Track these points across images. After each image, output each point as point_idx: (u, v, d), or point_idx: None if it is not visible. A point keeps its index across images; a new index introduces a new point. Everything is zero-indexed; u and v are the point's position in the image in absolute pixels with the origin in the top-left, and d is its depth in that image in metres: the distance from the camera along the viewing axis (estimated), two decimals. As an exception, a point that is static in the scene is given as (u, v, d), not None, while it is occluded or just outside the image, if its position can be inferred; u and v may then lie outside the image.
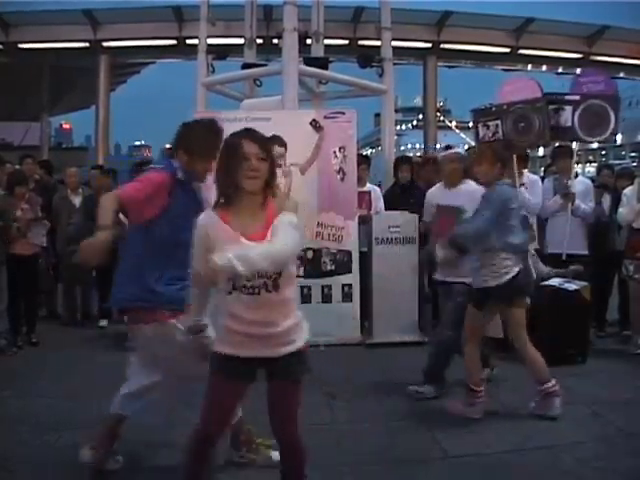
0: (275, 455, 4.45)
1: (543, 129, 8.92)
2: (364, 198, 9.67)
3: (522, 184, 9.13)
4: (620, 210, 8.70)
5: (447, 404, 6.32)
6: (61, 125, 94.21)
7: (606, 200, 9.58)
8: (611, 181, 10.17)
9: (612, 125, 8.75)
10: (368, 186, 9.92)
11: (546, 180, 9.57)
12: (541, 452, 5.46)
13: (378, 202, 9.81)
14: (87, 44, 27.12)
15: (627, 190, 8.79)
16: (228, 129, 9.11)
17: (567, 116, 8.90)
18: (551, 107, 9.01)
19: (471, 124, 10.21)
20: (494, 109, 9.34)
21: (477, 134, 9.48)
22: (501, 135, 9.15)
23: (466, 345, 6.32)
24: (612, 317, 9.76)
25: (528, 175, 9.61)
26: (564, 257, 8.71)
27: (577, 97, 8.93)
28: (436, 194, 7.37)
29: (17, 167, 10.99)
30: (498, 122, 9.13)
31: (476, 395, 6.27)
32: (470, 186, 6.88)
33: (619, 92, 9.48)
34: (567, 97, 9.04)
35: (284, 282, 3.68)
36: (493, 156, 6.21)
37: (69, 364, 8.27)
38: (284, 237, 3.56)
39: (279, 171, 8.79)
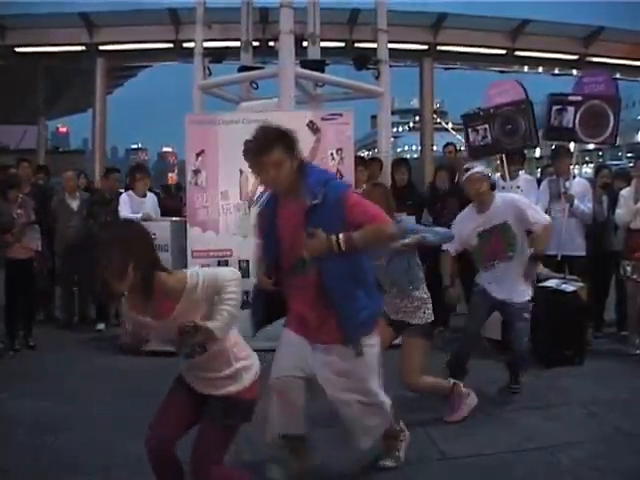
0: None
1: (529, 131, 8.97)
2: None
3: (517, 186, 9.18)
4: (618, 211, 8.71)
5: (448, 419, 6.25)
6: (57, 129, 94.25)
7: (604, 200, 9.61)
8: (609, 181, 10.16)
9: (611, 127, 8.78)
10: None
11: (543, 182, 9.59)
12: (539, 452, 5.48)
13: None
14: (84, 47, 27.06)
15: (624, 191, 8.80)
16: (225, 131, 9.22)
17: (569, 117, 8.94)
18: (555, 107, 9.05)
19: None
20: (482, 113, 9.41)
21: (467, 139, 9.55)
22: (490, 139, 9.21)
23: (418, 381, 6.05)
24: (609, 317, 9.78)
25: (524, 176, 9.65)
26: (559, 258, 8.75)
27: (579, 98, 8.96)
28: (471, 221, 6.80)
29: (13, 171, 11.03)
30: (487, 126, 9.21)
31: (457, 392, 6.25)
32: (501, 199, 6.77)
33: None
34: (570, 98, 9.07)
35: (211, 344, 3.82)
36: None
37: (67, 367, 8.30)
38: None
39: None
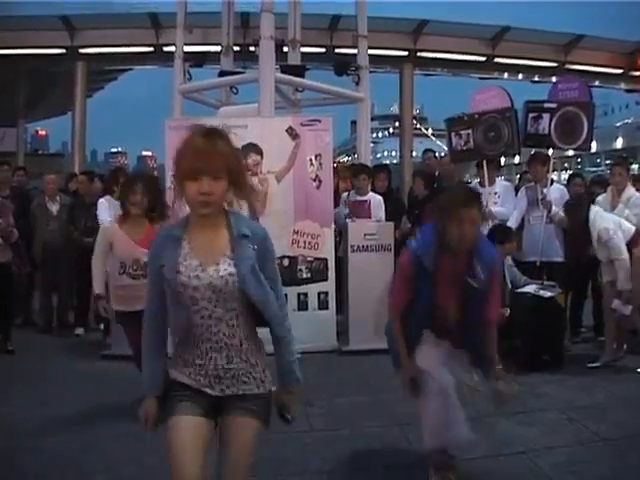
0: None
1: (512, 138, 9.05)
2: (363, 207, 9.66)
3: (495, 192, 9.23)
4: (593, 218, 8.78)
5: None
6: (37, 131, 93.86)
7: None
8: (581, 189, 10.16)
9: (585, 132, 8.84)
10: (369, 194, 9.85)
11: (521, 189, 9.62)
12: (517, 457, 5.51)
13: (379, 211, 9.70)
14: (64, 50, 26.94)
15: (600, 197, 8.86)
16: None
17: (545, 123, 9.00)
18: (531, 115, 9.12)
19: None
20: (466, 118, 9.48)
21: (450, 143, 9.60)
22: (472, 144, 9.27)
23: None
24: (587, 323, 9.82)
25: (501, 182, 9.72)
26: (538, 263, 8.80)
27: (554, 105, 9.03)
28: None
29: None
30: (470, 131, 9.26)
31: None
32: None
33: (594, 100, 9.58)
34: (545, 105, 9.14)
35: None
36: None
37: (47, 372, 8.26)
38: None
39: (255, 179, 8.82)
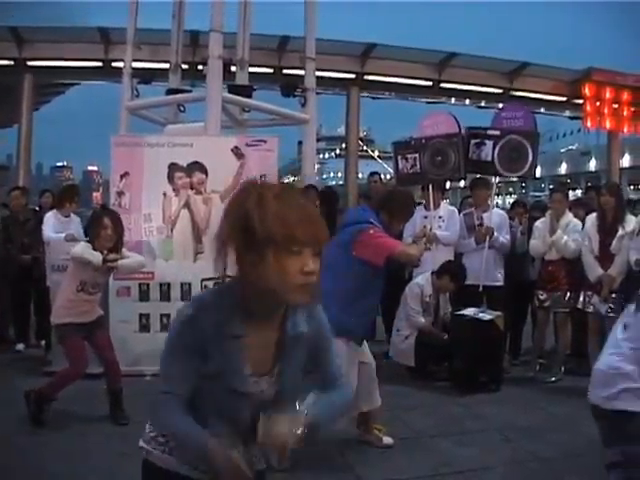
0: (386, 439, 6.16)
1: (458, 163, 9.14)
2: None
3: (440, 216, 9.30)
4: (532, 242, 8.83)
5: None
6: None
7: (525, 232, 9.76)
8: (525, 217, 10.22)
9: (530, 161, 8.95)
10: None
11: (460, 215, 9.64)
12: (455, 477, 5.56)
13: None
14: (11, 62, 26.68)
15: (538, 222, 8.94)
16: (150, 154, 9.18)
17: (488, 151, 9.09)
18: (473, 141, 9.21)
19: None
20: (413, 143, 9.55)
21: (396, 166, 9.67)
22: (419, 168, 9.35)
23: None
24: (527, 345, 9.93)
25: (446, 206, 9.80)
26: (481, 288, 8.86)
27: (497, 132, 9.14)
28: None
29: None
30: (417, 155, 9.33)
31: None
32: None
33: (538, 127, 9.70)
34: (489, 132, 9.25)
35: None
36: None
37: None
38: None
39: (199, 198, 8.83)
